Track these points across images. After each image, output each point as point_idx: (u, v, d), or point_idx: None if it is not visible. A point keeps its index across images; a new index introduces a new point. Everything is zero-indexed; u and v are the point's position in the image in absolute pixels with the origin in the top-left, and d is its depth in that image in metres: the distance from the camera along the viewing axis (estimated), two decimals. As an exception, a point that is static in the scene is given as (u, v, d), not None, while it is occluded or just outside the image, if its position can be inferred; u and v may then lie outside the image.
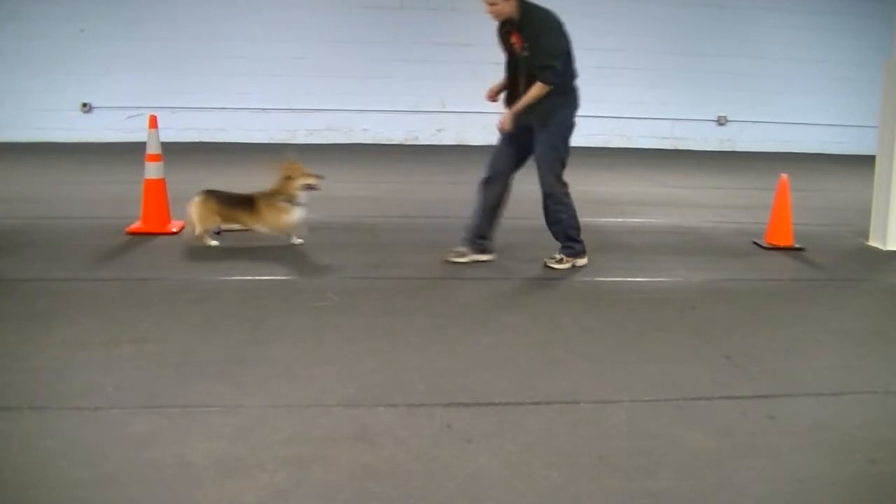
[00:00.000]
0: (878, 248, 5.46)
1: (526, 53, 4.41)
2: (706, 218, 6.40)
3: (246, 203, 4.83)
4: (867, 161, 6.24)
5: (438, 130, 11.30)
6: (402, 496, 2.17)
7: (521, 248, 5.12)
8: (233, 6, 10.62)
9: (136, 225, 5.28)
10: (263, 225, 4.86)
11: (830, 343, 3.59)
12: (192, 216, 4.83)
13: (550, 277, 4.47)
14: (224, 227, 5.19)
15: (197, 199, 4.84)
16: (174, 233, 5.24)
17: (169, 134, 7.34)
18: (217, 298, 3.90)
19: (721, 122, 11.96)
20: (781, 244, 5.32)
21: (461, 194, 6.93)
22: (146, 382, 2.87)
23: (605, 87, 11.35)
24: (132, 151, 7.36)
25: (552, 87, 4.38)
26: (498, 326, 3.60)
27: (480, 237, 4.78)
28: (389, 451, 2.41)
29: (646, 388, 2.96)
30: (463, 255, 4.77)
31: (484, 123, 11.31)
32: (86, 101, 10.53)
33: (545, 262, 4.72)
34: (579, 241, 4.74)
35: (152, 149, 5.30)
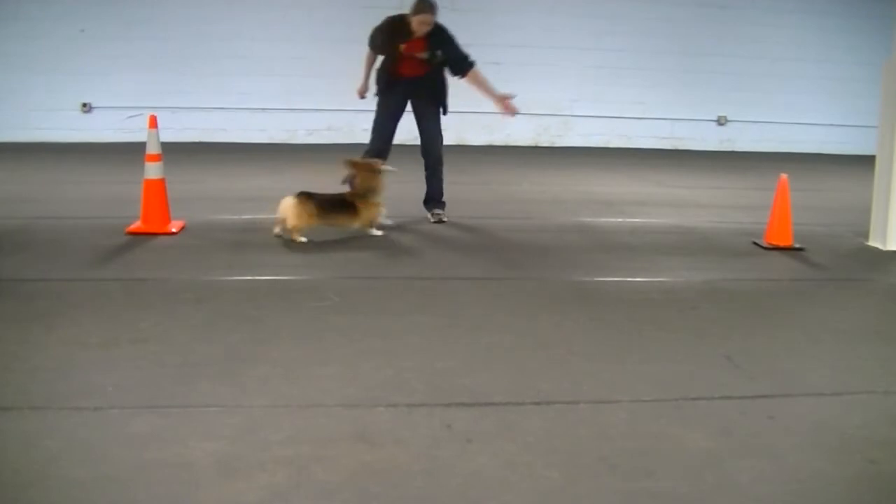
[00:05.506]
0: (878, 248, 5.46)
1: (426, 55, 5.53)
2: (706, 218, 6.40)
3: (342, 205, 5.13)
4: (867, 161, 6.24)
5: (438, 130, 11.29)
6: (402, 496, 2.17)
7: (519, 247, 5.12)
8: (232, 6, 10.62)
9: (136, 225, 5.28)
10: (361, 223, 5.18)
11: (830, 343, 3.59)
12: (288, 215, 4.97)
13: (550, 278, 4.47)
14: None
15: (293, 200, 4.98)
16: (174, 233, 5.24)
17: (169, 134, 7.35)
18: (217, 298, 3.90)
19: (721, 122, 11.95)
20: (781, 244, 5.32)
21: (461, 194, 6.93)
22: (146, 382, 2.87)
23: (605, 87, 11.34)
24: (132, 151, 7.35)
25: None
26: (498, 326, 3.60)
27: None
28: (389, 451, 2.41)
29: (646, 388, 2.95)
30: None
31: (484, 123, 11.44)
32: (86, 101, 10.53)
33: (441, 220, 5.69)
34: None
35: (152, 149, 5.30)
